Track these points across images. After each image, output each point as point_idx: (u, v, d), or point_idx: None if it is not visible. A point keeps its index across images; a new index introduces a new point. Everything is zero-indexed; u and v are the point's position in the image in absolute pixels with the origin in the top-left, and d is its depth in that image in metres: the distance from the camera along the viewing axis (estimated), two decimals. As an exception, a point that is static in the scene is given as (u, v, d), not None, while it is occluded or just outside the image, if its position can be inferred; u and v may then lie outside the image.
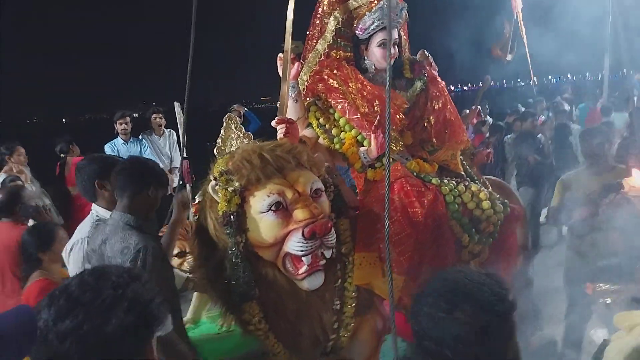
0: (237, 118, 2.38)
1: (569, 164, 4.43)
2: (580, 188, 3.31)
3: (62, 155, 5.26)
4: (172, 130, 5.74)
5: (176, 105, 4.80)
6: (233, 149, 2.19)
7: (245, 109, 6.44)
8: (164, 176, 2.19)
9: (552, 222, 3.64)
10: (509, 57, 2.86)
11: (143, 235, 1.93)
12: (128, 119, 5.53)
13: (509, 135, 5.78)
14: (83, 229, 2.26)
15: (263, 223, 1.87)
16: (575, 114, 8.58)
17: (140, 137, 5.69)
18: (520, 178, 5.27)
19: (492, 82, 4.23)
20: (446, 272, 1.23)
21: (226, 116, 2.29)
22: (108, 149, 5.41)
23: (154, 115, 5.74)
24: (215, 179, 1.90)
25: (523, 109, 6.96)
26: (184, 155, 4.30)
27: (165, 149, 5.79)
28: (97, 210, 2.29)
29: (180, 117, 4.81)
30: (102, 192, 2.28)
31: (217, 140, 2.27)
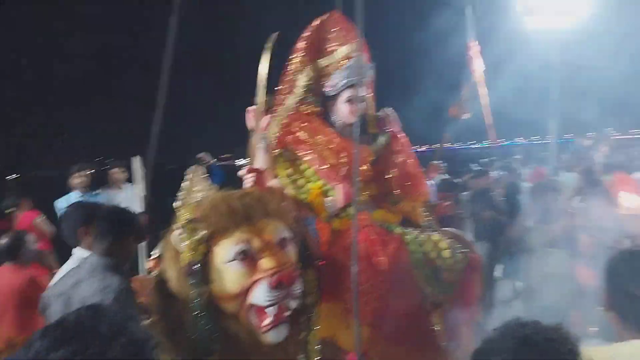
0: (203, 169, 2.39)
1: (517, 220, 4.64)
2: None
3: (7, 210, 5.05)
4: (132, 185, 5.63)
5: (135, 160, 4.75)
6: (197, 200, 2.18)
7: (213, 160, 6.42)
8: (141, 229, 2.38)
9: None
10: (466, 115, 3.04)
11: (122, 277, 1.94)
12: (86, 172, 5.40)
13: (465, 192, 6.01)
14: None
15: (228, 273, 1.84)
16: (525, 175, 9.03)
17: (97, 191, 5.55)
18: (476, 234, 5.43)
19: (446, 144, 4.46)
20: (507, 326, 1.10)
21: (192, 167, 2.30)
22: (63, 203, 5.22)
23: (114, 169, 5.64)
24: (180, 227, 1.88)
25: (478, 168, 7.29)
26: (143, 211, 4.20)
27: (123, 204, 5.63)
28: (80, 254, 2.39)
29: (139, 173, 4.75)
30: (86, 237, 2.43)
31: (181, 193, 2.26)
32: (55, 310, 2.08)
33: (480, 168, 6.98)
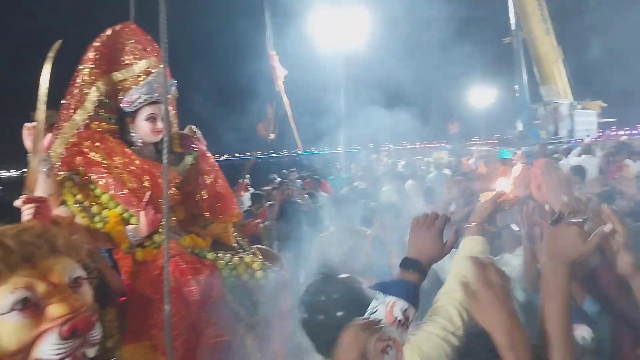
0: None
1: (320, 229, 4.98)
2: (333, 248, 3.82)
3: None
4: None
5: None
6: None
7: None
8: None
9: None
10: (272, 136, 3.12)
11: None
12: None
13: (269, 203, 6.19)
14: None
15: (5, 327, 1.50)
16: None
17: None
18: (280, 243, 5.62)
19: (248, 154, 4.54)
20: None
21: None
22: None
23: None
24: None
25: (279, 179, 7.58)
26: None
27: None
28: None
29: None
30: None
31: None
32: None
33: (281, 179, 7.26)
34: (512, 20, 27.50)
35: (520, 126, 28.25)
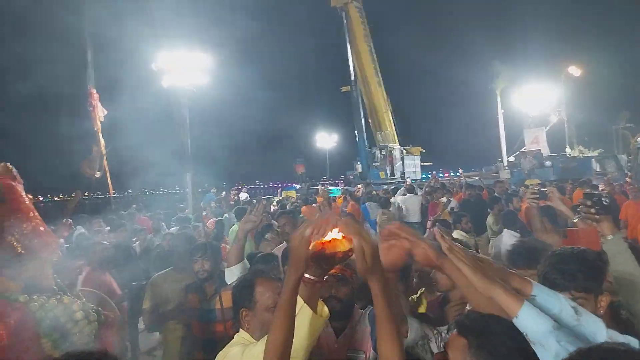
0: None
1: (158, 268, 4.90)
2: (168, 286, 3.84)
3: None
4: None
5: None
6: None
7: None
8: None
9: (147, 323, 3.93)
10: (98, 175, 3.03)
11: None
12: None
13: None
14: None
15: None
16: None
17: None
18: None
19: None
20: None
21: None
22: None
23: None
24: None
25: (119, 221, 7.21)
26: None
27: None
28: None
29: None
30: None
31: None
32: None
33: (123, 221, 6.88)
34: (352, 71, 30.15)
35: (359, 168, 30.55)
